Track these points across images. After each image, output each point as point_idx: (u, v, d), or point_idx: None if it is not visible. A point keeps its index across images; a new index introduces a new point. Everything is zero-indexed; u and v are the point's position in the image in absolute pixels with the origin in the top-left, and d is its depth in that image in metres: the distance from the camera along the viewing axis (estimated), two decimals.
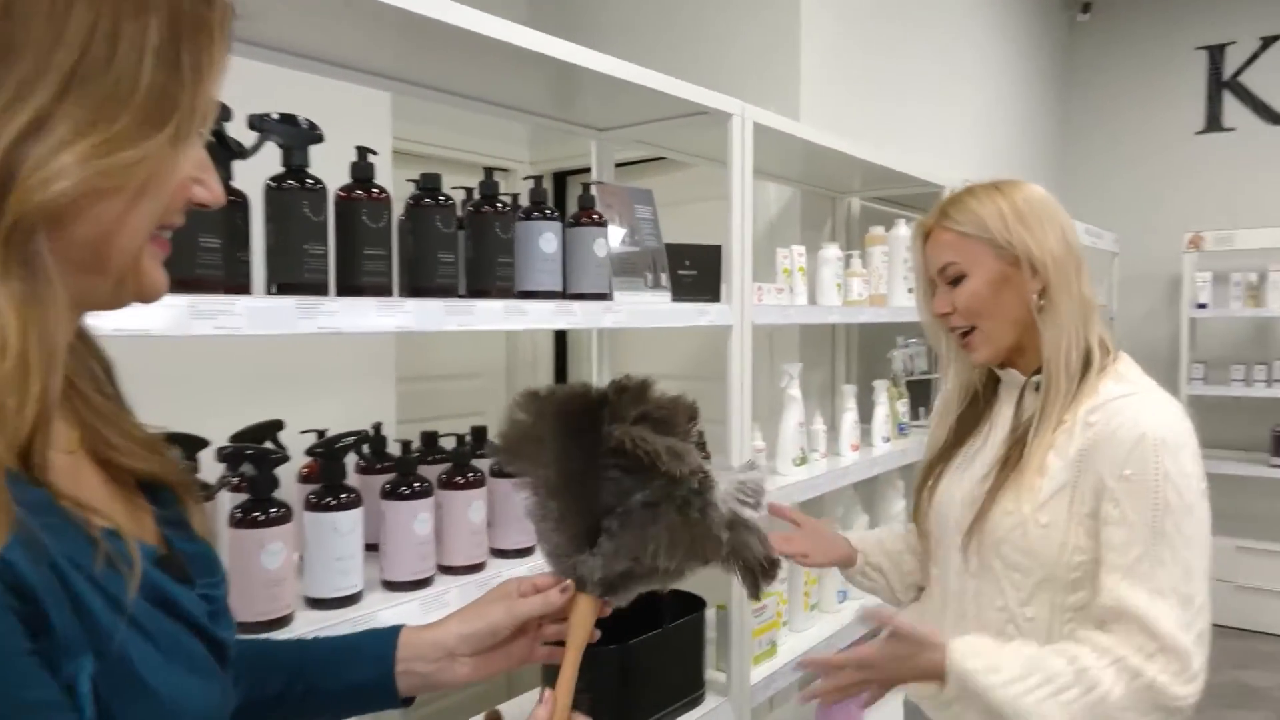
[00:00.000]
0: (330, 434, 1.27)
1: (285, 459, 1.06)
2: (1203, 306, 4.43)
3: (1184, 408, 1.13)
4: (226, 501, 1.13)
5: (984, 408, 1.29)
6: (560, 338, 3.48)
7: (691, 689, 1.69)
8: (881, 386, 2.43)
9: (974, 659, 1.02)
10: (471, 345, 3.27)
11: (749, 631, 1.80)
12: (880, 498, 2.51)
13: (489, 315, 1.24)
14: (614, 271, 1.52)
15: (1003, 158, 4.23)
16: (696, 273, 1.71)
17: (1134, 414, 1.08)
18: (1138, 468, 1.05)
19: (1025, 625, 1.13)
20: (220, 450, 1.02)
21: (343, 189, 1.13)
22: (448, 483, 1.26)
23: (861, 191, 2.92)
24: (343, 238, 1.12)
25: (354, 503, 1.12)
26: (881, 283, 2.40)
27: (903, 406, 2.58)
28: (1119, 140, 4.96)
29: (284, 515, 1.04)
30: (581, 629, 0.83)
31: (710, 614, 1.85)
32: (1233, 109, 4.71)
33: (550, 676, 0.83)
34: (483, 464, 1.34)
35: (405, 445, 1.25)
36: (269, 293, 1.04)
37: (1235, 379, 4.36)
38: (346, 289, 1.12)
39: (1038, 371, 1.18)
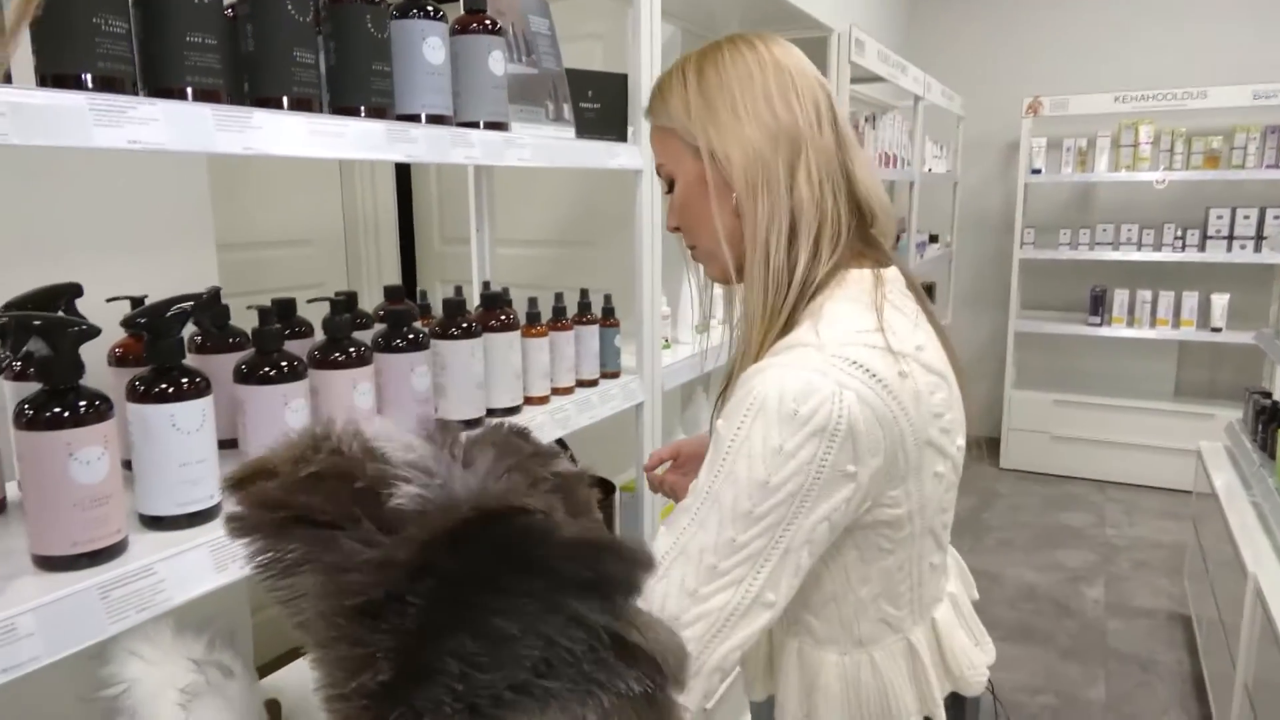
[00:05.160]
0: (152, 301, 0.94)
1: (93, 331, 0.75)
2: (1037, 172, 4.60)
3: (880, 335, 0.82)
4: (8, 394, 0.81)
5: None
6: (405, 196, 3.08)
7: None
8: None
9: None
10: (301, 206, 2.83)
11: (658, 512, 1.66)
12: None
13: (366, 140, 0.94)
14: (510, 98, 1.23)
15: (871, 8, 4.09)
16: (600, 106, 1.44)
17: (768, 364, 0.82)
18: (727, 423, 0.81)
19: None
20: None
21: None
22: (323, 361, 0.98)
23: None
24: (149, 14, 0.78)
25: (199, 389, 0.83)
26: None
27: None
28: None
29: (99, 409, 0.74)
30: None
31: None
32: None
33: None
34: (364, 336, 1.06)
35: (264, 313, 0.95)
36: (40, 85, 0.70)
37: (1062, 242, 4.60)
38: (160, 90, 0.79)
39: None
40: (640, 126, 1.47)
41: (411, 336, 1.08)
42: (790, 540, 0.79)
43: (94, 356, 0.93)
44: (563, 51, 1.63)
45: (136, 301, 0.99)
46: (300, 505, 0.60)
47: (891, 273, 0.92)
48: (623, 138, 1.47)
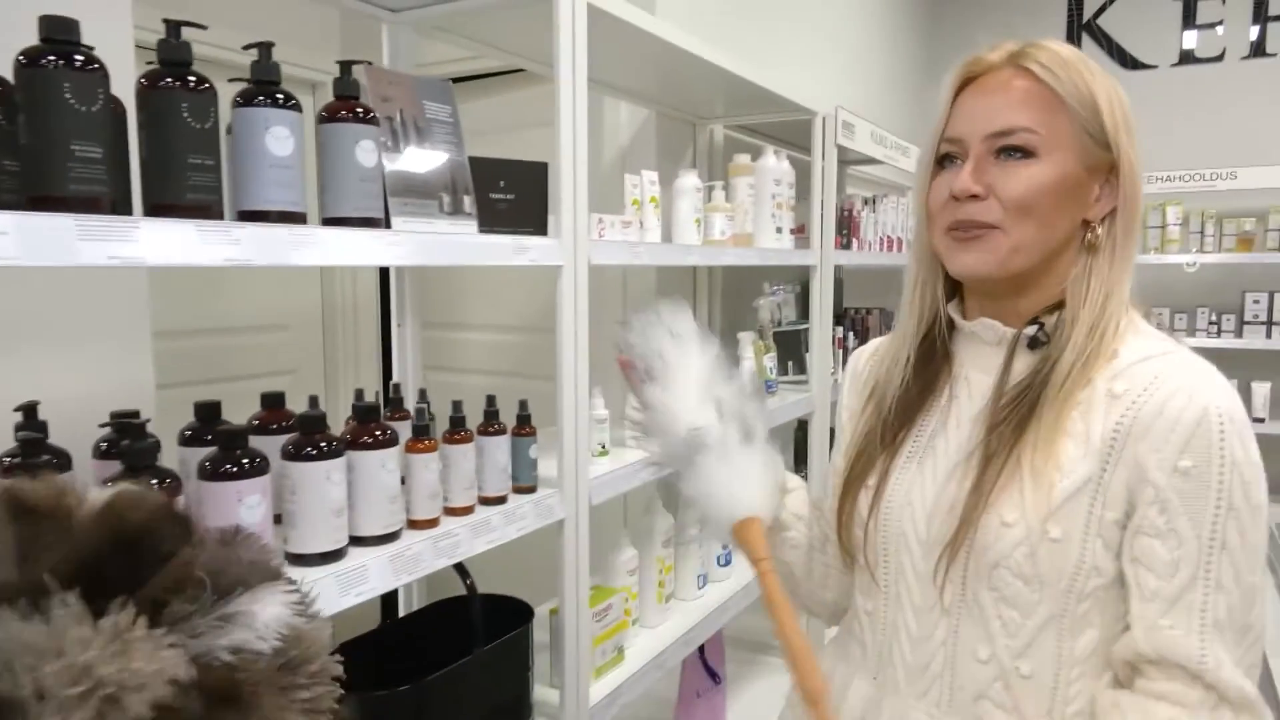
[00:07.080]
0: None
1: None
2: None
3: None
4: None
5: (938, 371, 0.92)
6: (386, 276, 3.01)
7: (513, 719, 1.36)
8: (747, 339, 2.13)
9: None
10: (278, 289, 2.77)
11: (589, 639, 1.47)
12: None
13: (165, 243, 0.81)
14: (393, 190, 1.11)
15: (871, 99, 4.01)
16: (514, 197, 1.32)
17: (1184, 382, 0.78)
18: (1200, 457, 0.75)
19: (1019, 684, 0.81)
20: None
21: None
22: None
23: (725, 118, 2.58)
24: None
25: None
26: (748, 220, 2.09)
27: (770, 361, 2.30)
28: None
29: None
30: None
31: (542, 612, 1.52)
32: (1092, 53, 4.68)
33: None
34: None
35: (31, 445, 0.82)
36: None
37: None
38: None
39: (1033, 322, 0.85)
40: (563, 217, 1.35)
41: (246, 461, 0.94)
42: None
43: None
44: (531, 139, 1.51)
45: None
46: None
47: None
48: (541, 230, 1.35)
